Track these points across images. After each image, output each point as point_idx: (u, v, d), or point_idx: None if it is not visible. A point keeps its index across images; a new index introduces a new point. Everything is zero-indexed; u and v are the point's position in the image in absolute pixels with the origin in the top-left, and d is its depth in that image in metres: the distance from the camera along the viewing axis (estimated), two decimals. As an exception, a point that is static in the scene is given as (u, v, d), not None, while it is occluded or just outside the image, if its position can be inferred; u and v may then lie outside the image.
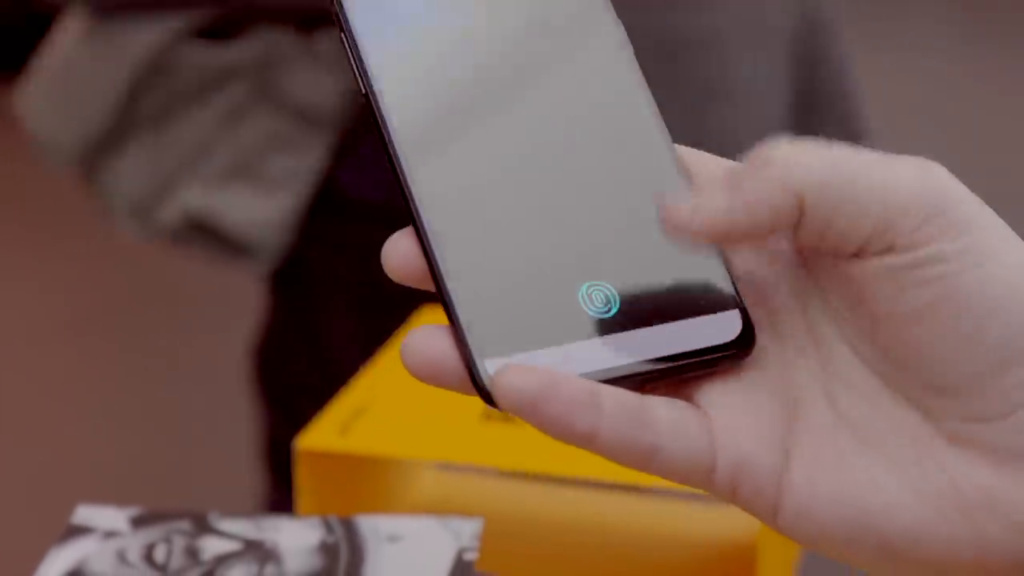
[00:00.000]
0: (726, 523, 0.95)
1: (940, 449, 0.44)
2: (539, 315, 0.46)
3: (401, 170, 0.46)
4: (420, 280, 0.46)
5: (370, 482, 0.94)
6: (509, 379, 0.43)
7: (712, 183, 0.44)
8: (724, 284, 0.47)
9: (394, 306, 1.58)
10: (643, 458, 0.44)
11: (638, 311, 0.46)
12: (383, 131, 0.47)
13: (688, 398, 0.46)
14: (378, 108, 0.47)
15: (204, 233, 1.54)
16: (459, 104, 0.48)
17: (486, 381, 0.44)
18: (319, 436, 0.87)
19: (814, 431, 0.45)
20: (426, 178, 0.46)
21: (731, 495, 0.45)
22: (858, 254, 0.44)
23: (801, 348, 0.46)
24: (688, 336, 0.46)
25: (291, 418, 1.66)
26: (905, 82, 2.52)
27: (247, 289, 3.00)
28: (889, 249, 0.43)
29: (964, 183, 2.34)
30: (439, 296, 0.46)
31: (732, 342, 0.46)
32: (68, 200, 2.57)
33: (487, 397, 0.44)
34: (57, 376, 2.73)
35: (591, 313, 0.46)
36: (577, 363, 0.45)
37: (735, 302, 0.47)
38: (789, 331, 0.47)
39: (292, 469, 1.74)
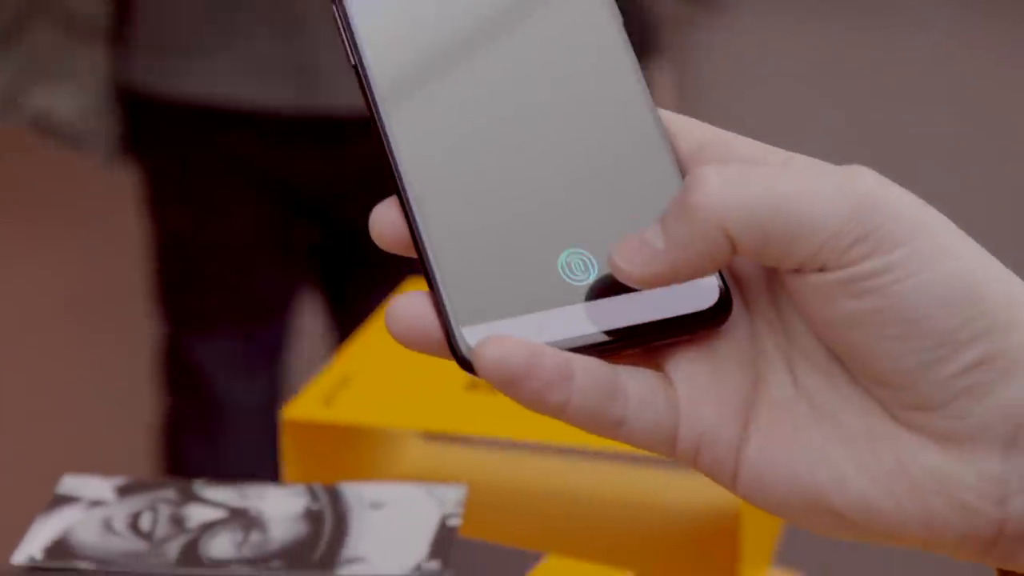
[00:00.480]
0: (710, 492, 0.95)
1: (891, 428, 0.45)
2: (519, 282, 0.46)
3: (386, 138, 0.47)
4: (406, 248, 0.47)
5: (355, 451, 0.95)
6: (490, 351, 0.44)
7: (654, 225, 0.45)
8: None
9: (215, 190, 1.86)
10: (609, 428, 0.45)
11: (615, 279, 0.46)
12: (369, 99, 0.47)
13: (657, 366, 0.47)
14: (366, 78, 0.47)
15: (48, 129, 1.89)
16: (444, 74, 0.48)
17: (464, 349, 0.45)
18: (304, 406, 0.87)
19: (774, 404, 0.46)
20: (410, 146, 0.47)
21: (693, 463, 0.46)
22: (795, 271, 0.45)
23: (768, 320, 0.47)
24: (666, 303, 0.46)
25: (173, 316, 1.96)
26: (902, 55, 2.54)
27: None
28: (821, 269, 0.44)
29: (955, 155, 2.35)
30: (420, 263, 0.46)
31: (709, 310, 0.46)
32: (62, 186, 2.57)
33: (465, 364, 0.45)
34: (45, 350, 2.73)
35: (570, 280, 0.46)
36: (555, 330, 0.46)
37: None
38: (757, 302, 0.47)
39: (190, 380, 1.92)
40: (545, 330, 0.46)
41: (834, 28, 2.61)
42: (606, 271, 0.47)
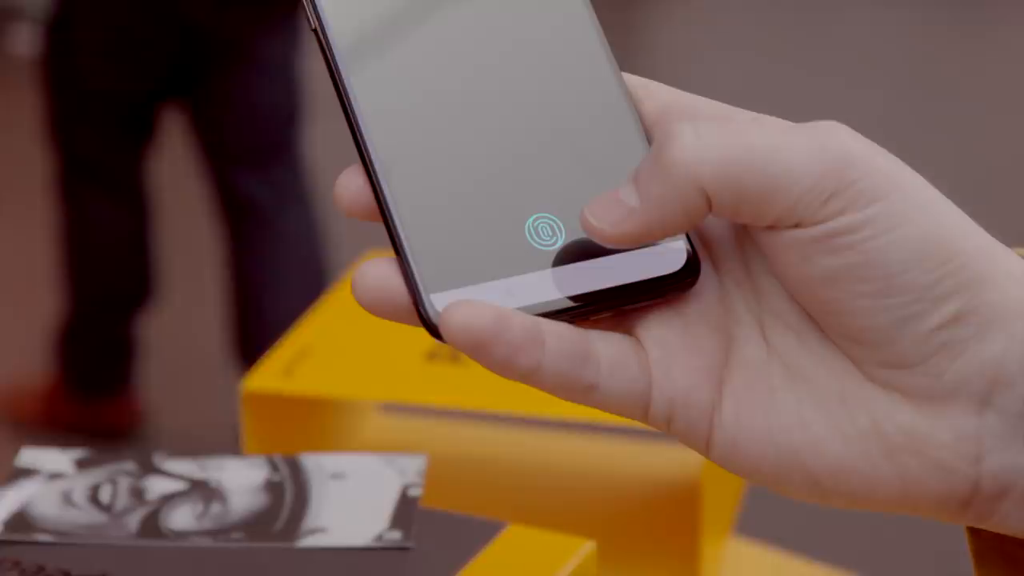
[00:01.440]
0: (671, 462, 0.96)
1: (864, 388, 0.45)
2: (486, 248, 0.46)
3: (349, 104, 0.46)
4: (371, 215, 0.46)
5: (316, 423, 0.95)
6: (458, 316, 0.44)
7: (628, 183, 0.45)
8: None
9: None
10: (581, 394, 0.45)
11: (584, 243, 0.46)
12: (331, 65, 0.47)
13: (629, 330, 0.47)
14: (327, 43, 0.47)
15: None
16: (407, 40, 0.48)
17: (432, 315, 0.45)
18: (264, 378, 0.87)
19: (747, 367, 0.46)
20: (374, 112, 0.46)
21: (666, 428, 0.46)
22: (770, 227, 0.45)
23: (737, 280, 0.47)
24: (634, 267, 0.46)
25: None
26: (872, 33, 2.55)
27: (202, 238, 3.00)
28: (796, 225, 0.44)
29: (923, 133, 2.36)
30: (386, 229, 0.46)
31: (677, 272, 0.46)
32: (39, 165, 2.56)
33: (433, 330, 0.45)
34: (3, 323, 2.72)
35: (537, 245, 0.46)
36: (523, 296, 0.45)
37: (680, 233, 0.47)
38: (727, 264, 0.47)
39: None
40: (514, 295, 0.45)
41: (794, 6, 2.61)
42: (574, 236, 0.46)
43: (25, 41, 3.91)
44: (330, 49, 0.47)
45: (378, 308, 0.46)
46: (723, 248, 0.48)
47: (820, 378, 0.45)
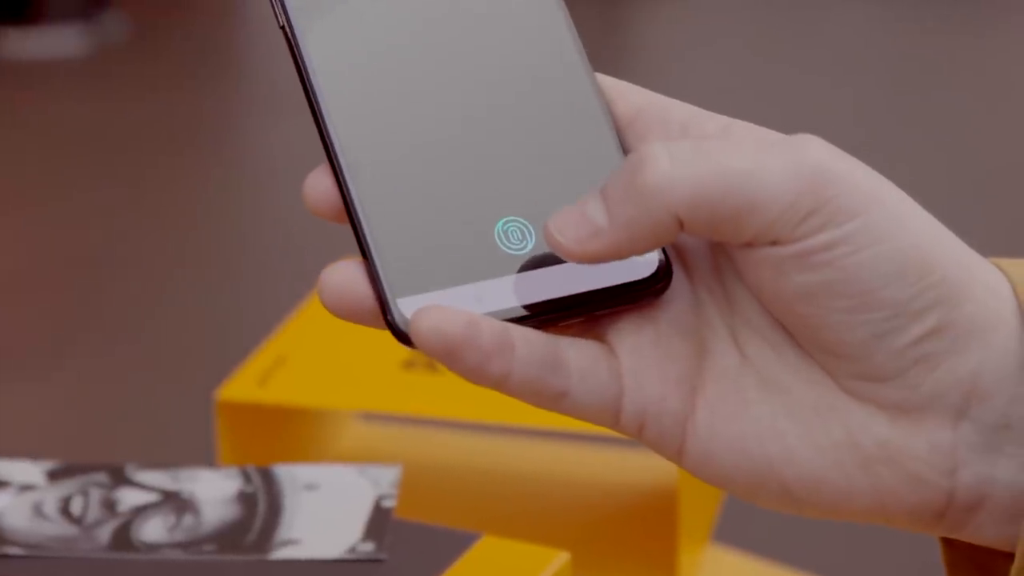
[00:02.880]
0: (648, 470, 0.95)
1: (840, 399, 0.44)
2: (455, 252, 0.45)
3: (318, 105, 0.46)
4: (338, 216, 0.46)
5: (291, 433, 0.94)
6: (427, 321, 0.43)
7: (593, 196, 0.44)
8: None
9: None
10: (552, 400, 0.45)
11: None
12: (299, 64, 0.46)
13: (600, 337, 0.46)
14: (296, 43, 0.46)
15: None
16: (377, 41, 0.47)
17: (399, 320, 0.44)
18: (238, 387, 0.87)
19: (721, 376, 0.45)
20: (342, 112, 0.46)
21: (638, 436, 0.46)
22: (746, 245, 0.44)
23: (710, 288, 0.46)
24: (605, 273, 0.45)
25: None
26: (835, 31, 2.56)
27: (175, 252, 2.99)
28: (774, 243, 0.43)
29: (908, 131, 2.37)
30: (353, 232, 0.45)
31: (648, 278, 0.46)
32: (12, 158, 2.55)
33: (400, 336, 0.44)
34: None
35: (507, 250, 0.45)
36: (492, 301, 0.45)
37: None
38: (700, 273, 0.47)
39: None
40: (483, 301, 0.45)
41: (775, 7, 2.62)
42: (543, 241, 0.46)
43: (24, 46, 3.90)
44: (298, 48, 0.46)
45: (344, 312, 0.45)
46: (697, 257, 0.47)
47: (795, 389, 0.45)
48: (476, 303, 0.45)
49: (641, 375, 0.45)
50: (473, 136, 0.47)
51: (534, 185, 0.46)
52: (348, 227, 0.46)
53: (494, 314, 0.45)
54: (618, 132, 0.48)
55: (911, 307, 0.43)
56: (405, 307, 0.44)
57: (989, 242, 2.21)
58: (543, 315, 0.45)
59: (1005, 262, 0.46)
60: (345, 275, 0.45)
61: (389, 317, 0.44)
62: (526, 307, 0.45)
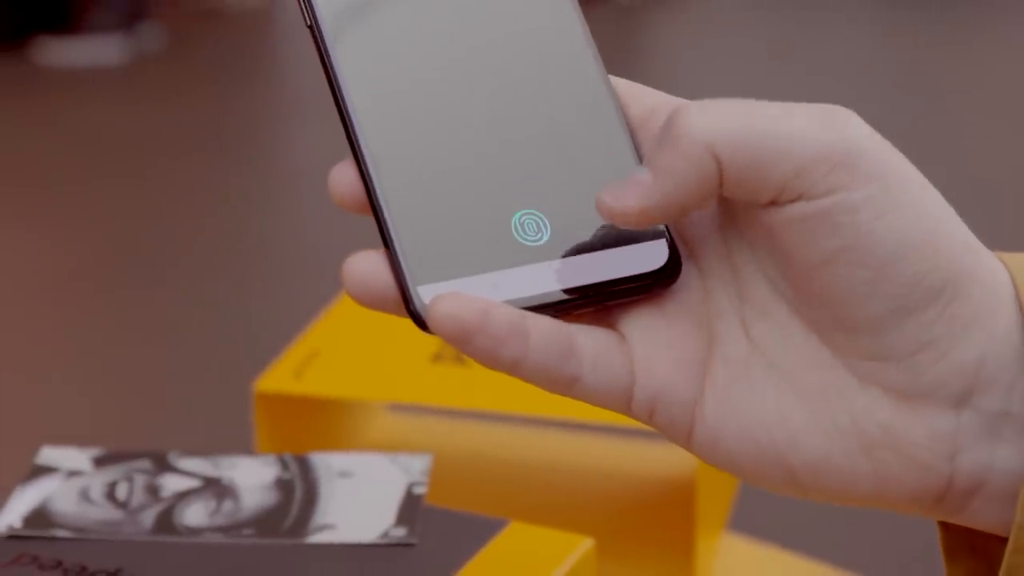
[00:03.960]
0: (667, 460, 0.95)
1: (846, 384, 0.45)
2: (473, 242, 0.45)
3: (343, 99, 0.46)
4: (362, 208, 0.46)
5: (325, 423, 0.94)
6: (443, 307, 0.43)
7: (642, 166, 0.44)
8: None
9: None
10: (564, 386, 0.45)
11: (568, 240, 0.46)
12: (325, 60, 0.47)
13: (611, 326, 0.46)
14: (322, 41, 0.47)
15: None
16: (402, 37, 0.47)
17: (419, 306, 0.44)
18: (275, 379, 0.87)
19: (729, 362, 0.45)
20: (366, 107, 0.46)
21: (648, 420, 0.46)
22: (772, 203, 0.44)
23: (721, 278, 0.46)
24: (616, 264, 0.46)
25: None
26: (830, 43, 2.56)
27: (213, 252, 2.99)
28: (799, 197, 0.43)
29: (901, 136, 2.37)
30: (376, 222, 0.45)
31: (659, 270, 0.46)
32: (50, 157, 2.56)
33: (420, 322, 0.44)
34: (23, 323, 2.71)
35: (523, 241, 0.46)
36: (509, 290, 0.45)
37: (662, 232, 0.47)
38: (710, 262, 0.47)
39: None
40: (500, 289, 0.45)
41: (780, 17, 2.61)
42: (559, 232, 0.46)
43: (50, 52, 3.91)
44: (324, 45, 0.47)
45: (368, 300, 0.45)
46: (707, 248, 0.47)
47: (802, 374, 0.45)
48: (493, 291, 0.45)
49: (651, 362, 0.45)
50: (492, 132, 0.47)
51: (550, 180, 0.47)
52: (374, 223, 0.46)
53: (511, 302, 0.45)
54: (631, 131, 0.48)
55: (923, 284, 0.43)
56: (425, 295, 0.44)
57: (989, 243, 2.21)
58: (557, 304, 0.45)
59: (1004, 254, 0.46)
60: (368, 265, 0.45)
61: (411, 305, 0.44)
62: (541, 296, 0.45)
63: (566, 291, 0.45)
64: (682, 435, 0.46)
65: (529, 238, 0.46)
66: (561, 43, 0.48)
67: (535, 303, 0.45)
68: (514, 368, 0.44)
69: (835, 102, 2.43)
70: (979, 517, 0.45)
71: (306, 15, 0.47)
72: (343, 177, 0.46)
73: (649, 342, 0.45)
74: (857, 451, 0.44)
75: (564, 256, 0.46)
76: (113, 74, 3.56)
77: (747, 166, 0.43)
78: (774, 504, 1.95)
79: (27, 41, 3.99)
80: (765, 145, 0.43)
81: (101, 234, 2.61)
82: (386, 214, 0.45)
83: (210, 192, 3.11)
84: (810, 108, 0.45)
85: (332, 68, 0.46)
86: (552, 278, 0.45)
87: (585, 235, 0.46)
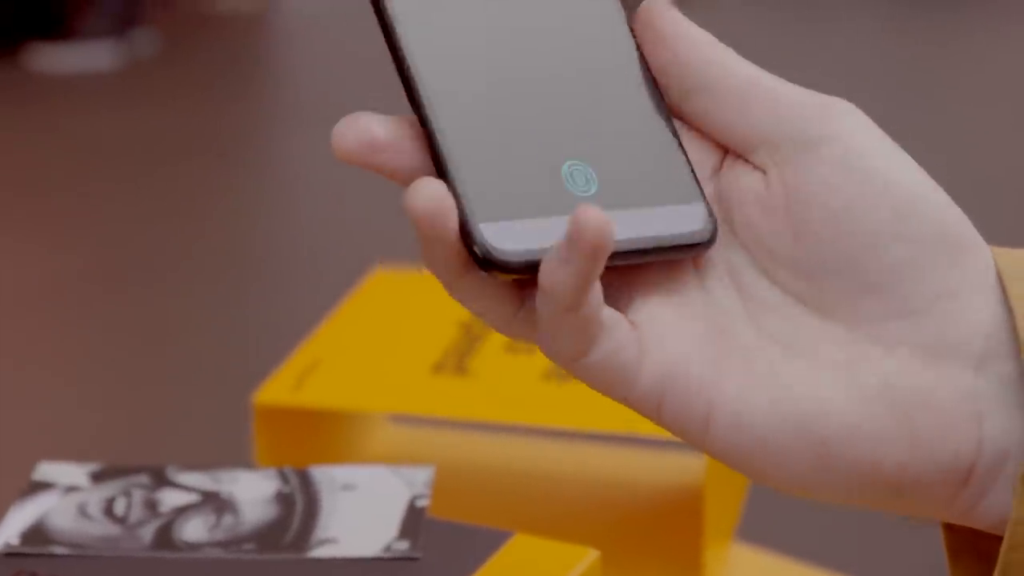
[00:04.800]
0: (674, 469, 0.95)
1: (870, 351, 0.45)
2: (528, 186, 0.47)
3: (400, 45, 0.47)
4: (372, 155, 0.45)
5: (326, 435, 0.94)
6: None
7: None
8: (690, 179, 0.49)
9: None
10: (581, 349, 0.44)
11: (614, 195, 0.48)
12: (384, 15, 0.48)
13: (620, 312, 0.47)
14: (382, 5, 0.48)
15: None
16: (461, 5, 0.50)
17: (481, 242, 0.45)
18: (275, 391, 0.87)
19: (743, 349, 0.45)
20: (425, 52, 0.48)
21: (657, 410, 0.45)
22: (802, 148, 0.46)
23: (720, 279, 0.47)
24: (659, 223, 0.47)
25: None
26: (836, 44, 2.57)
27: (210, 260, 2.99)
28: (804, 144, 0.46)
29: (901, 137, 2.38)
30: (434, 160, 0.46)
31: (699, 231, 0.47)
32: (43, 164, 2.56)
33: (481, 259, 0.45)
34: (16, 333, 2.72)
35: (573, 190, 0.47)
36: (558, 236, 0.46)
37: (700, 195, 0.48)
38: (707, 265, 0.48)
39: None
40: (550, 234, 0.46)
41: (785, 16, 2.62)
42: (606, 186, 0.48)
43: (43, 58, 3.91)
44: (384, 7, 0.48)
45: (429, 225, 0.44)
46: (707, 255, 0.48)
47: (822, 349, 0.45)
48: (545, 236, 0.46)
49: (664, 339, 0.45)
50: (542, 86, 0.49)
51: (597, 136, 0.49)
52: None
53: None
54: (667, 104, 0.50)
55: (940, 230, 0.44)
56: (487, 232, 0.46)
57: (988, 239, 2.21)
58: (613, 256, 0.47)
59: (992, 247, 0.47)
60: (432, 190, 0.44)
61: (472, 241, 0.45)
62: None
63: (618, 242, 0.47)
64: (697, 422, 0.45)
65: (578, 188, 0.47)
66: (605, 24, 0.51)
67: None
68: (550, 296, 0.44)
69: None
70: (994, 509, 0.45)
71: None
72: (355, 124, 0.45)
73: (659, 323, 0.46)
74: (889, 412, 0.44)
75: (610, 211, 0.47)
76: (107, 80, 3.57)
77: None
78: (783, 513, 1.95)
79: (20, 47, 3.99)
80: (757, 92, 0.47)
81: (95, 242, 2.61)
82: (445, 151, 0.46)
83: (206, 199, 3.11)
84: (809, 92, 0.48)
85: (389, 18, 0.48)
86: None
87: (629, 192, 0.48)
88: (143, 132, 3.33)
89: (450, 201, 0.44)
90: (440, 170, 0.46)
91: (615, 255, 0.47)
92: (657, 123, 0.49)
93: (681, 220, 0.48)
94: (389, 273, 1.04)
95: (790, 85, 0.47)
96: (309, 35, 3.69)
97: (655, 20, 0.49)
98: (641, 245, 0.47)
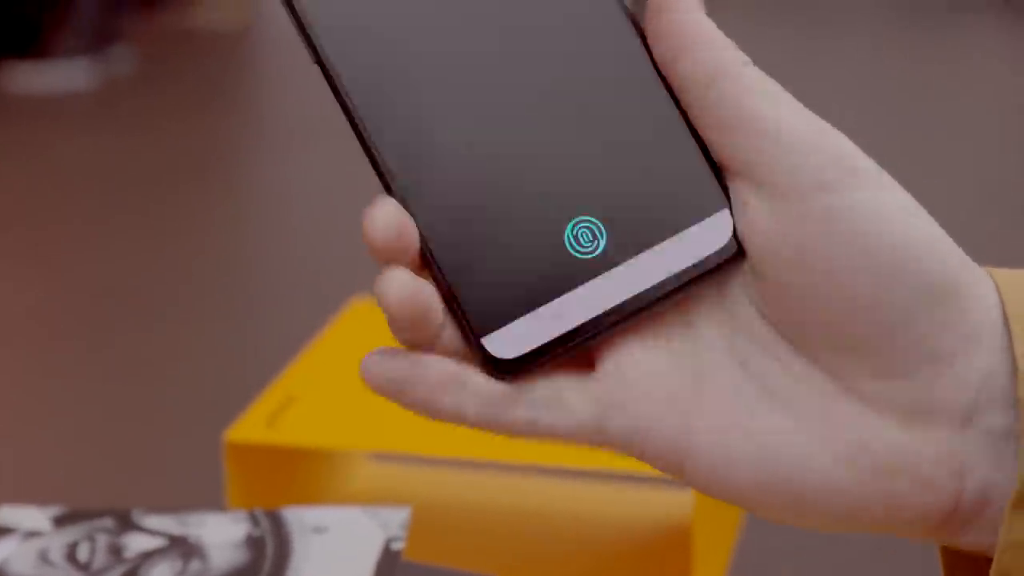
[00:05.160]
0: (660, 505, 0.95)
1: (849, 407, 0.45)
2: (530, 272, 0.44)
3: (364, 131, 0.44)
4: (403, 251, 0.45)
5: (301, 474, 0.94)
6: (375, 366, 0.45)
7: None
8: (712, 185, 0.45)
9: None
10: (521, 431, 0.45)
11: (626, 242, 0.45)
12: (341, 95, 0.44)
13: (589, 362, 0.46)
14: (333, 74, 0.44)
15: None
16: (417, 46, 0.45)
17: (489, 358, 0.44)
18: (247, 428, 0.87)
19: (720, 391, 0.45)
20: (391, 139, 0.44)
21: (630, 454, 0.46)
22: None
23: (710, 304, 0.46)
24: (682, 253, 0.44)
25: None
26: (832, 63, 2.59)
27: (182, 290, 2.99)
28: (792, 194, 0.44)
29: (888, 162, 2.40)
30: (431, 273, 0.44)
31: (724, 248, 0.44)
32: (13, 190, 2.57)
33: (493, 372, 0.44)
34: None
35: (580, 256, 0.44)
36: (576, 314, 0.44)
37: (724, 200, 0.45)
38: (697, 290, 0.47)
39: None
40: (565, 317, 0.44)
41: (784, 31, 2.63)
42: (616, 234, 0.44)
43: (15, 78, 3.91)
44: (336, 79, 0.45)
45: (411, 331, 0.45)
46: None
47: (803, 399, 0.45)
48: (559, 321, 0.44)
49: (630, 396, 0.45)
50: (528, 141, 0.45)
51: (597, 178, 0.45)
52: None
53: (580, 327, 0.44)
54: (680, 101, 0.46)
55: (930, 293, 0.44)
56: (491, 345, 0.44)
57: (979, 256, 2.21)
58: (629, 312, 0.44)
59: (992, 269, 0.47)
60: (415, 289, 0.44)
61: (481, 358, 0.44)
62: (611, 310, 0.44)
63: (637, 296, 0.44)
64: (673, 468, 0.46)
65: (586, 250, 0.44)
66: (592, 16, 0.46)
67: (607, 319, 0.44)
68: (457, 419, 0.45)
69: (833, 117, 2.45)
70: (982, 538, 0.45)
71: (313, 52, 0.45)
72: (387, 217, 0.44)
73: (627, 375, 0.45)
74: (866, 471, 0.44)
75: (625, 260, 0.44)
76: (83, 100, 3.57)
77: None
78: (778, 552, 1.95)
79: (-9, 67, 3.99)
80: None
81: (60, 274, 2.61)
82: (438, 259, 0.44)
83: (180, 225, 3.11)
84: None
85: (347, 99, 0.44)
86: (617, 287, 0.44)
87: (643, 230, 0.45)
88: (119, 155, 3.33)
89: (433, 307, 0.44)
90: (437, 285, 0.44)
91: (644, 306, 0.44)
92: (668, 127, 0.45)
93: (704, 242, 0.45)
94: (368, 304, 1.03)
95: (807, 120, 0.45)
96: (295, 51, 3.70)
97: (673, 25, 0.45)
98: (661, 291, 0.44)
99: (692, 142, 0.45)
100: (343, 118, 3.59)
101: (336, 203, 2.72)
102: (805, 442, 0.45)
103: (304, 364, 0.93)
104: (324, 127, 3.34)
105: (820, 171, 0.44)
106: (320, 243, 2.82)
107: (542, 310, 0.44)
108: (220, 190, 3.30)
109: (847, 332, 0.44)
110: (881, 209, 0.44)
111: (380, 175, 0.44)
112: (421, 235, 0.44)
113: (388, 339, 0.97)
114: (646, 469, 0.82)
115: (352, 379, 0.91)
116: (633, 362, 0.45)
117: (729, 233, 0.45)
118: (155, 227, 3.08)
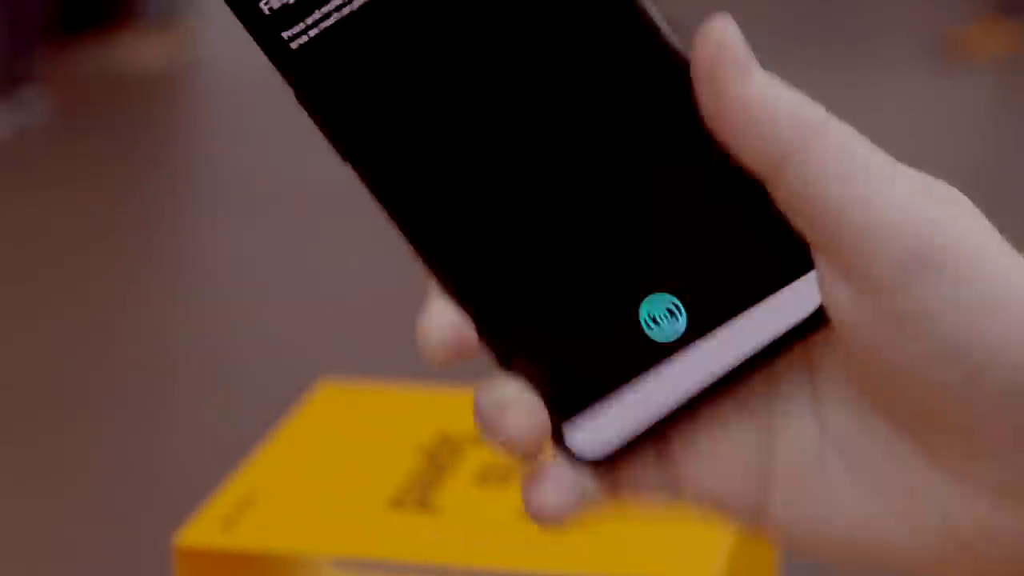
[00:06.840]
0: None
1: (935, 480, 0.47)
2: (607, 359, 0.45)
3: (411, 236, 0.45)
4: (461, 351, 0.46)
5: (259, 582, 0.94)
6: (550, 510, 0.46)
7: None
8: (789, 245, 0.45)
9: None
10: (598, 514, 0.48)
11: (707, 317, 0.45)
12: (362, 175, 0.44)
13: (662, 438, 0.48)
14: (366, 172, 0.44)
15: None
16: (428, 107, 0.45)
17: (571, 449, 0.46)
18: (200, 531, 0.87)
19: (796, 457, 0.47)
20: (433, 236, 0.45)
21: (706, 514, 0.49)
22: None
23: (794, 368, 0.48)
24: (767, 322, 0.45)
25: None
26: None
27: (120, 374, 2.99)
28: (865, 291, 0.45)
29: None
30: (492, 351, 0.45)
31: (813, 315, 0.45)
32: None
33: (575, 461, 0.46)
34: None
35: (659, 338, 0.45)
36: (657, 399, 0.46)
37: (808, 261, 0.45)
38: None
39: None
40: (649, 402, 0.46)
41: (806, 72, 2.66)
42: (695, 308, 0.45)
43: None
44: (366, 174, 0.45)
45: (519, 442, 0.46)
46: None
47: (887, 470, 0.47)
48: (642, 408, 0.46)
49: (701, 474, 0.48)
50: (585, 221, 0.45)
51: (672, 248, 0.46)
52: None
53: (666, 413, 0.46)
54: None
55: (1021, 378, 0.45)
56: (574, 439, 0.46)
57: None
58: (714, 391, 0.46)
59: None
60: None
61: (563, 448, 0.46)
62: (697, 392, 0.46)
63: (719, 375, 0.46)
64: (748, 527, 0.49)
65: (664, 329, 0.45)
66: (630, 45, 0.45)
67: (690, 404, 0.46)
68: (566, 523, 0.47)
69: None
70: None
71: (324, 133, 0.44)
72: (441, 327, 0.45)
73: (698, 452, 0.48)
74: (953, 548, 0.47)
75: (707, 335, 0.45)
76: (-11, 153, 3.57)
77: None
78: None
79: None
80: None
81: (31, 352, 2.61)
82: (505, 349, 0.45)
83: (109, 300, 3.11)
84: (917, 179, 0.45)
85: (390, 208, 0.45)
86: (703, 363, 0.46)
87: (724, 300, 0.45)
88: (31, 217, 3.33)
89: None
90: (503, 366, 0.45)
91: (730, 383, 0.45)
92: (736, 184, 0.45)
93: (791, 307, 0.45)
94: (336, 387, 1.04)
95: (886, 199, 0.44)
96: (231, 97, 3.70)
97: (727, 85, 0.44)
98: (748, 366, 0.45)
99: (766, 200, 0.45)
100: (291, 169, 3.59)
101: (285, 271, 2.72)
102: (886, 519, 0.47)
103: (266, 457, 0.94)
104: (265, 182, 3.35)
105: (899, 270, 0.44)
106: (278, 318, 2.81)
107: (625, 398, 0.46)
108: (151, 256, 3.29)
109: (937, 415, 0.46)
110: (960, 303, 0.45)
111: (435, 277, 0.45)
112: (489, 340, 0.45)
113: (362, 427, 0.97)
114: (655, 574, 0.82)
115: (319, 475, 0.92)
116: (707, 434, 0.48)
117: (817, 297, 0.45)
118: (76, 297, 3.07)
